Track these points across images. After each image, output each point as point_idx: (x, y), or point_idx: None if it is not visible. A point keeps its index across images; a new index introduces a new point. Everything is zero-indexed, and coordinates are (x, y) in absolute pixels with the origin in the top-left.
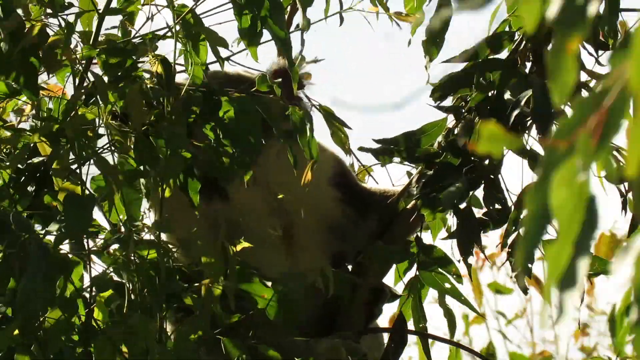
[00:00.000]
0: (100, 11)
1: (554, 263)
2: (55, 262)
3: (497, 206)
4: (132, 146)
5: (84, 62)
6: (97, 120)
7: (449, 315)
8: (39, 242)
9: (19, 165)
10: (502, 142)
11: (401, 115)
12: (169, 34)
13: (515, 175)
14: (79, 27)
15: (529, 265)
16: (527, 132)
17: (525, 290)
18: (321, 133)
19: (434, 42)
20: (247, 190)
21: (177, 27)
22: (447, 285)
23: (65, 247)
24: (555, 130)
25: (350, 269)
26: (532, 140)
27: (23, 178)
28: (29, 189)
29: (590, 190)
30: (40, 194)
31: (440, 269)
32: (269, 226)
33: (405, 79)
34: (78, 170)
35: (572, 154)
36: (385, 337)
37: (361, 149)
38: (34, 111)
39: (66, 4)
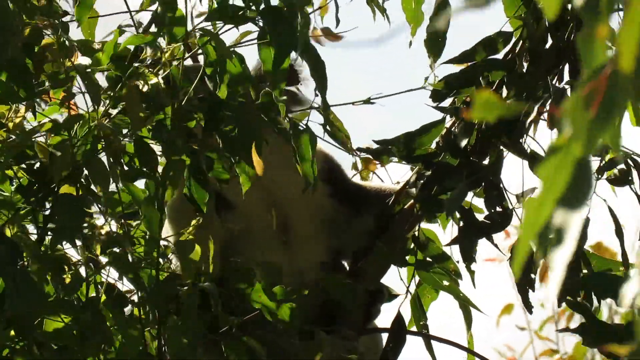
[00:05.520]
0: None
1: (531, 218)
2: (48, 262)
3: (498, 209)
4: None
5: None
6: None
7: (465, 308)
8: (14, 247)
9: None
10: (497, 108)
11: (382, 51)
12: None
13: (516, 177)
14: (80, 36)
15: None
16: (526, 133)
17: (529, 309)
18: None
19: (436, 42)
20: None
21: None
22: (446, 283)
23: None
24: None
25: (348, 269)
26: (531, 141)
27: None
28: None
29: (582, 155)
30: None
31: (437, 267)
32: (266, 223)
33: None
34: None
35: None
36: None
37: (360, 149)
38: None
39: (61, 12)
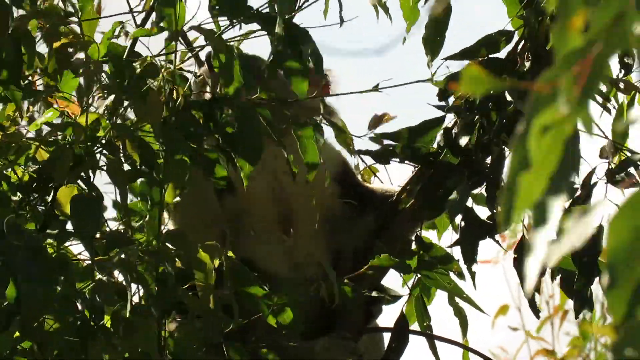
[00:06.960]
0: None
1: (525, 193)
2: (53, 263)
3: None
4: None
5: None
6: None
7: (460, 314)
8: (32, 246)
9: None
10: (484, 83)
11: (384, 61)
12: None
13: None
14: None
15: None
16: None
17: (536, 313)
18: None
19: (434, 40)
20: (252, 178)
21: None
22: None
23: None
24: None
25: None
26: None
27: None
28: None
29: (572, 131)
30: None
31: (441, 268)
32: (270, 214)
33: (386, 24)
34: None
35: (555, 98)
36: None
37: (361, 151)
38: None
39: (62, 13)
